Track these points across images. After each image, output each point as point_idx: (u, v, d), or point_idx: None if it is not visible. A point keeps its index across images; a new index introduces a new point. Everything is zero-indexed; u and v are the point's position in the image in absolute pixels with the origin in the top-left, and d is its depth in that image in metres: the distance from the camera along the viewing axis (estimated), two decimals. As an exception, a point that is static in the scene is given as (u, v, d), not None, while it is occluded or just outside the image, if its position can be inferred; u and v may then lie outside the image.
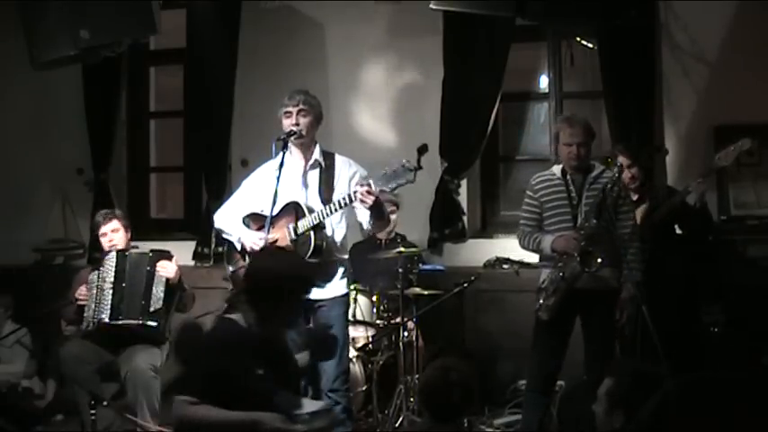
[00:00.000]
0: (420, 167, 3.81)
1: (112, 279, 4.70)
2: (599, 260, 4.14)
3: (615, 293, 4.28)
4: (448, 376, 3.02)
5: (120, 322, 4.65)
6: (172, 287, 4.75)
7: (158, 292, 4.70)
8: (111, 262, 4.75)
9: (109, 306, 4.66)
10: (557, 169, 4.44)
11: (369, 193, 3.85)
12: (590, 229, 4.21)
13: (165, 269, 4.74)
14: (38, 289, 6.07)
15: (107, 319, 4.65)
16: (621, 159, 4.76)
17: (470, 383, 3.02)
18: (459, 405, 2.99)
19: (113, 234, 4.88)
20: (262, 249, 3.91)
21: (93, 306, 4.68)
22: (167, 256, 4.82)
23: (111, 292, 4.68)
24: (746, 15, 5.48)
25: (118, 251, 4.80)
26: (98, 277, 4.72)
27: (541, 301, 4.34)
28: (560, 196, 4.36)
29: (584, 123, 4.40)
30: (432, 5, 5.21)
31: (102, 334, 4.68)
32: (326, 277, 4.16)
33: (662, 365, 3.82)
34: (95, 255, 5.07)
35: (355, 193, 3.90)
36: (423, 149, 3.87)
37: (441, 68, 5.95)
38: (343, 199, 3.95)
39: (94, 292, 4.70)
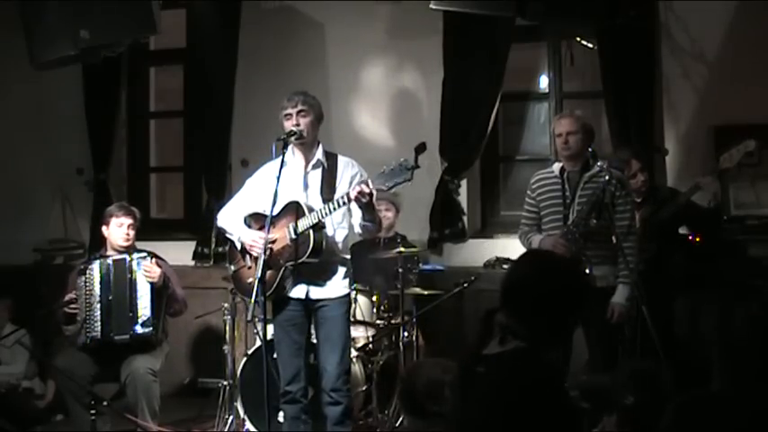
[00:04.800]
0: (417, 166, 3.80)
1: (98, 292, 4.68)
2: (586, 270, 4.17)
3: (613, 291, 4.29)
4: (415, 373, 3.04)
5: (114, 340, 4.65)
6: (159, 290, 4.72)
7: (144, 299, 4.67)
8: (94, 272, 4.70)
9: (99, 323, 4.64)
10: (556, 167, 4.47)
11: (363, 191, 3.84)
12: (579, 233, 4.22)
13: (148, 273, 4.69)
14: (38, 289, 6.07)
15: (99, 337, 4.64)
16: (634, 163, 4.80)
17: (440, 381, 2.98)
18: (426, 401, 2.97)
19: (130, 229, 4.84)
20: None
21: (84, 318, 4.66)
22: (149, 258, 4.76)
23: (98, 306, 4.66)
24: (746, 15, 5.47)
25: (101, 260, 4.75)
26: (85, 285, 4.70)
27: None
28: (555, 195, 4.39)
29: (574, 115, 4.46)
30: (432, 5, 5.21)
31: (98, 348, 4.68)
32: (328, 277, 4.16)
33: (662, 365, 3.82)
34: (99, 253, 5.02)
35: (352, 191, 3.88)
36: (420, 149, 3.86)
37: (441, 68, 5.95)
38: (342, 198, 3.95)
39: (83, 304, 4.68)
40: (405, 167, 3.77)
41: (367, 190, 3.84)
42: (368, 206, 3.95)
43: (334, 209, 3.97)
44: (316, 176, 4.19)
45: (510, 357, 2.29)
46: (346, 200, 3.93)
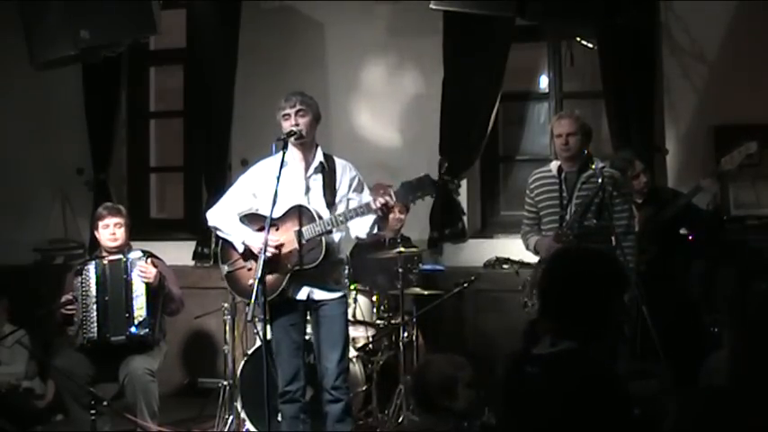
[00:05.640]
0: (443, 180, 3.87)
1: (94, 293, 4.66)
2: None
3: None
4: (428, 368, 3.05)
5: (110, 341, 4.64)
6: (154, 290, 4.71)
7: (140, 300, 4.65)
8: (90, 273, 4.69)
9: (95, 324, 4.63)
10: (553, 166, 4.47)
11: (388, 204, 3.89)
12: (573, 234, 4.23)
13: (144, 273, 4.67)
14: (38, 289, 6.07)
15: (95, 338, 4.63)
16: (637, 164, 4.82)
17: (452, 378, 2.99)
18: (438, 397, 2.98)
19: (116, 228, 4.82)
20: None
21: (80, 319, 4.65)
22: (144, 258, 4.74)
23: (95, 307, 4.65)
24: (746, 15, 5.48)
25: (96, 261, 4.75)
26: (81, 286, 4.68)
27: (526, 300, 4.42)
28: (552, 195, 4.41)
29: (573, 115, 4.46)
30: (432, 5, 5.21)
31: (95, 348, 4.67)
32: (337, 279, 4.20)
33: (662, 365, 3.82)
34: (95, 253, 5.02)
35: (374, 201, 3.91)
36: (443, 163, 3.90)
37: (441, 68, 5.95)
38: (361, 208, 3.97)
39: (80, 305, 4.66)
40: (429, 182, 3.85)
41: (392, 202, 3.90)
42: (384, 218, 4.04)
43: (352, 218, 4.00)
44: (317, 180, 4.18)
45: (564, 356, 2.28)
46: (365, 210, 3.95)
